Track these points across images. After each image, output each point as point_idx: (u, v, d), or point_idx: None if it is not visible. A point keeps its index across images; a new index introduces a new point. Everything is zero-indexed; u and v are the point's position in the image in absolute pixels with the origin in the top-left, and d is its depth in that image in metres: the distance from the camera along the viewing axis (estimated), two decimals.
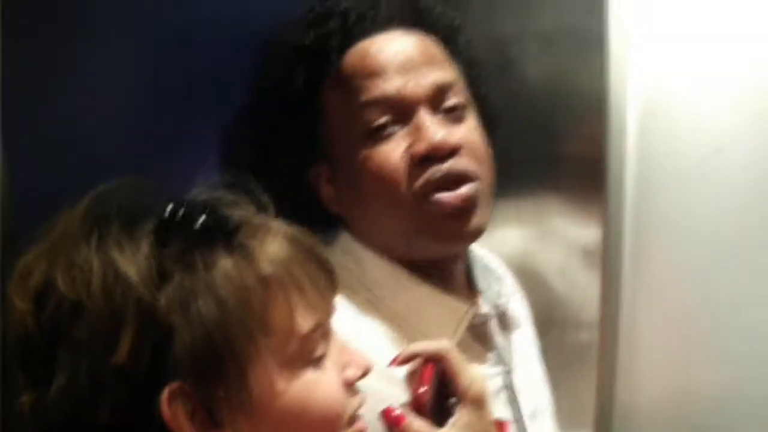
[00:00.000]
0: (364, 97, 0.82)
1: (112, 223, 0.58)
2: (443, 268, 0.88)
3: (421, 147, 0.81)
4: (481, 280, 0.94)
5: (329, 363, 0.63)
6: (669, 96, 1.24)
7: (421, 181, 0.81)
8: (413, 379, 0.76)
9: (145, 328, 0.54)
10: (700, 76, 1.23)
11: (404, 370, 0.78)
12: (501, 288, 0.95)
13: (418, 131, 0.82)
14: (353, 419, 0.65)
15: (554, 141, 1.23)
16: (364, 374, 0.66)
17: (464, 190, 0.82)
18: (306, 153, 0.88)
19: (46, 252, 0.59)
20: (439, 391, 0.76)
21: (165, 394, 0.55)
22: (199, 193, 0.64)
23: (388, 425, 0.72)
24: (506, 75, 1.21)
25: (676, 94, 1.24)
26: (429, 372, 0.75)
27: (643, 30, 1.26)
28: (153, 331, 0.54)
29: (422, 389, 0.74)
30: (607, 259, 1.23)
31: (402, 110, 0.82)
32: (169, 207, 0.58)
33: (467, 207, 0.82)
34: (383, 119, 0.82)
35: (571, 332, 1.24)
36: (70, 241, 0.58)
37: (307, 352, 0.61)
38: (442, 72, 0.85)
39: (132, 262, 0.55)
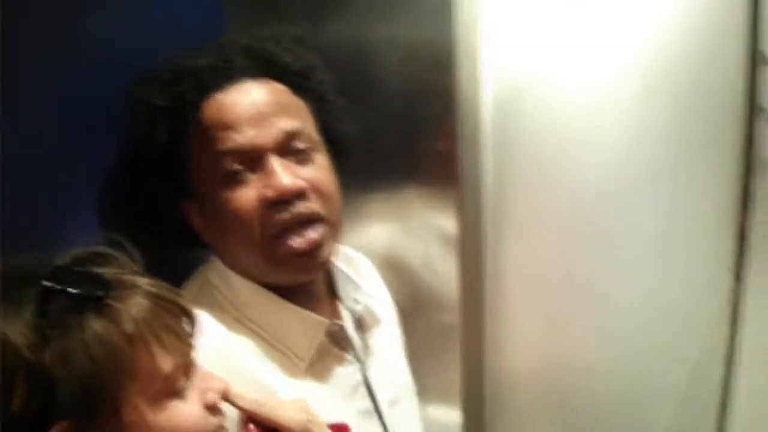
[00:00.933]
0: (220, 147, 0.90)
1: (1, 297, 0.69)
2: (302, 285, 0.98)
3: (270, 192, 0.89)
4: (341, 288, 1.05)
5: (191, 391, 0.76)
6: (521, 89, 1.34)
7: (272, 223, 0.90)
8: None
9: (34, 382, 0.66)
10: (553, 71, 1.33)
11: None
12: (357, 295, 1.05)
13: (268, 176, 0.90)
14: None
15: (413, 138, 1.31)
16: (223, 395, 0.78)
17: (311, 234, 0.92)
18: (177, 192, 0.96)
19: None
20: None
21: (53, 431, 0.67)
22: (76, 251, 0.75)
23: None
24: (367, 82, 1.28)
25: (528, 87, 1.34)
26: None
27: (493, 25, 1.34)
28: (40, 383, 0.66)
29: None
30: (465, 246, 1.32)
31: (254, 158, 0.91)
32: (47, 281, 0.69)
33: (314, 248, 0.92)
34: (237, 167, 0.90)
35: (435, 315, 1.34)
36: None
37: (169, 387, 0.73)
38: (290, 120, 0.93)
39: (17, 331, 0.67)
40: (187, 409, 0.74)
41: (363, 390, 0.98)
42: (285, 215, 0.90)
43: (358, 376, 0.98)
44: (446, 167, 1.31)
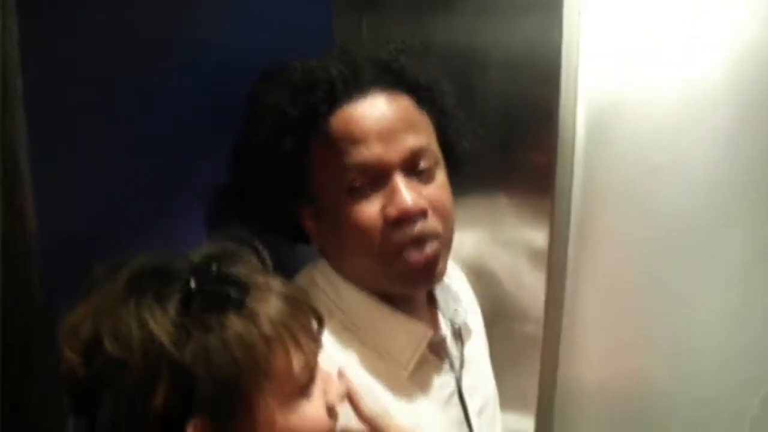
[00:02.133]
0: (347, 161, 0.91)
1: (146, 291, 0.72)
2: (409, 295, 1.00)
3: (393, 211, 0.90)
4: (441, 299, 1.07)
5: (315, 391, 0.78)
6: (615, 112, 1.34)
7: (392, 241, 0.91)
8: None
9: (175, 379, 0.68)
10: (646, 93, 1.32)
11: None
12: (457, 305, 1.07)
13: (392, 194, 0.91)
14: None
15: (507, 150, 1.33)
16: (342, 399, 0.81)
17: (429, 250, 0.93)
18: (294, 195, 0.98)
19: (92, 312, 0.72)
20: None
21: (189, 428, 0.69)
22: (210, 248, 0.78)
23: None
24: (467, 88, 1.30)
25: (622, 111, 1.34)
26: None
27: (593, 43, 1.35)
28: (181, 381, 0.68)
29: None
30: (552, 261, 1.34)
31: (379, 174, 0.92)
32: (191, 280, 0.72)
33: (431, 264, 0.94)
34: (363, 181, 0.91)
35: (518, 326, 1.36)
36: (113, 305, 0.71)
37: (299, 387, 0.76)
38: (417, 136, 0.94)
39: (163, 327, 0.69)
40: (313, 409, 0.77)
41: (456, 399, 1.01)
42: (405, 234, 0.91)
43: (453, 386, 1.01)
44: (540, 179, 1.32)
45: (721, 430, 1.39)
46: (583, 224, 1.37)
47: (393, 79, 0.96)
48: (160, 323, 0.69)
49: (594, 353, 1.42)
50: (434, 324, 1.03)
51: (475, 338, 1.11)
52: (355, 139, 0.91)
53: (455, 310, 1.06)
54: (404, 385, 0.96)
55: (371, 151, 0.91)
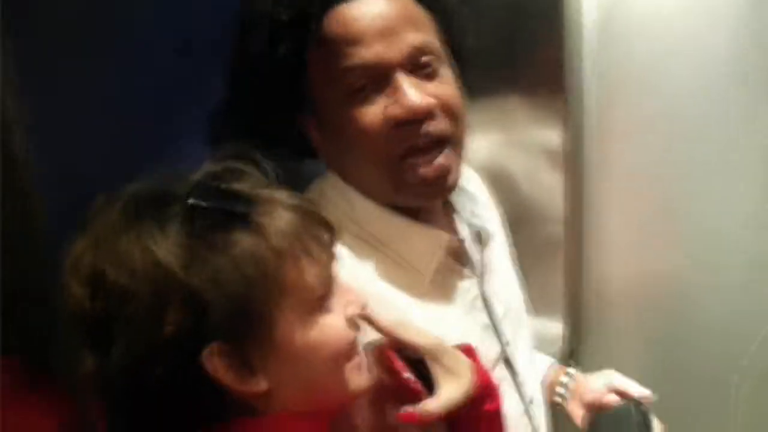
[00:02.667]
0: (345, 63, 0.86)
1: (145, 216, 0.68)
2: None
3: (397, 111, 0.86)
4: (457, 202, 1.02)
5: (334, 304, 0.74)
6: (623, 4, 1.29)
7: (398, 143, 0.87)
8: (380, 371, 0.81)
9: (185, 304, 0.64)
10: None
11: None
12: (475, 208, 1.03)
13: (395, 94, 0.86)
14: (355, 351, 0.76)
15: (517, 50, 1.28)
16: (363, 310, 0.77)
17: (439, 159, 0.88)
18: (294, 106, 0.92)
19: (92, 245, 0.68)
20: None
21: (205, 353, 0.65)
22: (210, 167, 0.73)
23: (407, 424, 0.79)
24: None
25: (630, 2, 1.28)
26: (394, 358, 0.80)
27: None
28: (191, 306, 0.64)
29: (407, 375, 0.79)
30: (570, 159, 1.30)
31: (380, 74, 0.86)
32: (191, 199, 0.68)
33: (443, 174, 0.89)
34: (363, 83, 0.86)
35: (540, 228, 1.33)
36: (113, 236, 0.67)
37: (317, 301, 0.72)
38: (418, 33, 0.88)
39: (167, 251, 0.65)
40: (333, 322, 0.73)
41: (480, 304, 0.98)
42: (413, 135, 0.87)
43: (476, 290, 0.98)
44: (551, 75, 1.27)
45: (748, 325, 1.37)
46: (600, 120, 1.33)
47: None
48: (163, 246, 0.65)
49: (619, 253, 1.39)
50: (451, 229, 0.99)
51: (496, 242, 1.08)
52: (352, 40, 0.86)
53: (473, 213, 1.02)
54: (426, 293, 0.92)
55: (370, 51, 0.86)
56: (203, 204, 0.68)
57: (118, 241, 0.66)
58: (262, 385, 0.69)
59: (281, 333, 0.69)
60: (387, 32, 0.87)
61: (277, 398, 0.70)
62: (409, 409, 0.78)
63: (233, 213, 0.69)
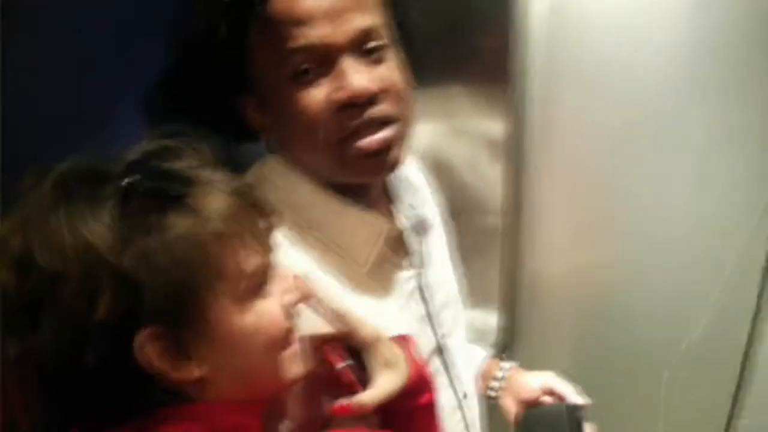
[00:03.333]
0: (289, 45, 0.83)
1: (75, 196, 0.64)
2: (362, 187, 0.93)
3: (342, 94, 0.84)
4: (396, 192, 1.01)
5: (272, 290, 0.72)
6: None
7: (342, 127, 0.85)
8: (315, 362, 0.79)
9: (117, 288, 0.61)
10: None
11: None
12: (414, 198, 1.01)
13: (340, 78, 0.84)
14: (291, 339, 0.74)
15: (462, 37, 1.26)
16: (302, 298, 0.75)
17: (382, 134, 0.86)
18: (234, 87, 0.89)
19: (20, 225, 0.64)
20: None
21: (139, 338, 0.62)
22: (146, 145, 0.70)
23: (343, 416, 0.78)
24: None
25: None
26: (329, 349, 0.78)
27: None
28: (124, 290, 0.61)
29: (342, 365, 0.78)
30: (511, 151, 1.29)
31: (325, 57, 0.84)
32: (125, 178, 0.64)
33: (385, 148, 0.87)
34: (307, 65, 0.84)
35: (478, 219, 1.32)
36: (41, 215, 0.64)
37: (253, 287, 0.70)
38: (365, 15, 0.86)
39: (98, 234, 0.62)
40: (269, 308, 0.71)
41: (417, 296, 0.97)
42: (356, 119, 0.85)
43: (414, 282, 0.97)
44: (496, 65, 1.26)
45: (684, 317, 1.39)
46: (543, 111, 1.32)
47: None
48: (94, 229, 0.62)
49: (556, 245, 1.40)
50: (391, 219, 0.98)
51: (435, 233, 1.06)
52: (297, 20, 0.84)
53: (413, 203, 1.01)
54: (363, 283, 0.91)
55: (316, 32, 0.84)
56: (137, 184, 0.65)
57: (47, 223, 0.63)
58: (196, 371, 0.66)
59: (216, 318, 0.66)
60: (333, 14, 0.84)
61: (211, 386, 0.68)
62: (343, 401, 0.77)
63: (169, 194, 0.65)
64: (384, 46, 0.88)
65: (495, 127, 1.28)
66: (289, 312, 0.74)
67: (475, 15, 1.26)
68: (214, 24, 0.86)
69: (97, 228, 0.62)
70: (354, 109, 0.85)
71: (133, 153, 0.69)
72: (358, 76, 0.84)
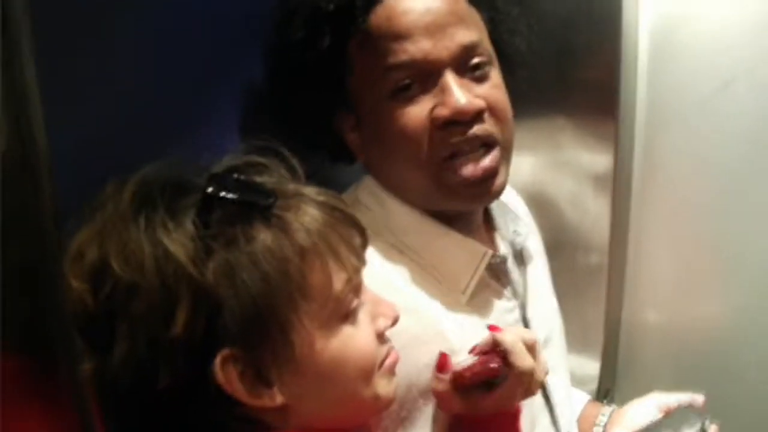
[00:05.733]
0: (390, 60, 0.81)
1: (157, 205, 0.61)
2: (462, 213, 0.90)
3: (445, 112, 0.81)
4: (498, 219, 0.96)
5: (362, 315, 0.67)
6: (682, 25, 1.22)
7: (443, 145, 0.82)
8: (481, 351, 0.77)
9: (197, 302, 0.58)
10: (714, 6, 1.21)
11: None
12: (517, 227, 0.97)
13: (442, 94, 0.81)
14: (383, 362, 0.69)
15: (568, 68, 1.21)
16: (394, 323, 0.71)
17: (485, 161, 0.83)
18: (332, 102, 0.87)
19: (97, 233, 0.62)
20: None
21: (218, 359, 0.59)
22: (231, 159, 0.67)
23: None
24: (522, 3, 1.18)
25: (689, 24, 1.22)
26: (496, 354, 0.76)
27: None
28: (204, 304, 0.58)
29: (494, 365, 0.75)
30: (617, 186, 1.23)
31: (428, 73, 0.82)
32: (209, 187, 0.61)
33: (488, 176, 0.84)
34: (408, 81, 0.82)
35: (581, 256, 1.26)
36: (120, 224, 0.61)
37: (342, 309, 0.65)
38: (468, 31, 0.83)
39: (179, 243, 0.59)
40: (359, 335, 0.66)
41: (520, 327, 0.92)
42: (458, 138, 0.82)
43: (517, 314, 0.92)
44: (601, 100, 1.21)
45: None
46: (648, 146, 1.26)
47: None
48: (176, 238, 0.59)
49: (659, 290, 1.32)
50: (492, 245, 0.93)
51: (537, 263, 1.01)
52: (398, 35, 0.81)
53: (515, 231, 0.96)
54: (462, 311, 0.86)
55: (418, 47, 0.81)
56: (222, 194, 0.61)
57: (126, 231, 0.60)
58: (277, 399, 0.62)
59: (301, 342, 0.62)
60: (435, 29, 0.82)
61: (292, 415, 0.64)
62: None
63: (255, 205, 0.62)
64: (487, 63, 0.86)
65: (600, 160, 1.23)
66: (383, 338, 0.70)
67: (582, 46, 1.22)
68: (313, 35, 0.84)
69: (179, 237, 0.59)
70: (457, 126, 0.82)
71: (218, 166, 0.67)
72: (462, 93, 0.81)
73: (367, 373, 0.67)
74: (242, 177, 0.65)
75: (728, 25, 1.21)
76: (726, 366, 1.31)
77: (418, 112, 0.82)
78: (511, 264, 0.93)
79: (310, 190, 0.67)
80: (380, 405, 0.69)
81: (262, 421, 0.63)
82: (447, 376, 0.76)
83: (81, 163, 0.68)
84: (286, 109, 0.89)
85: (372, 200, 0.89)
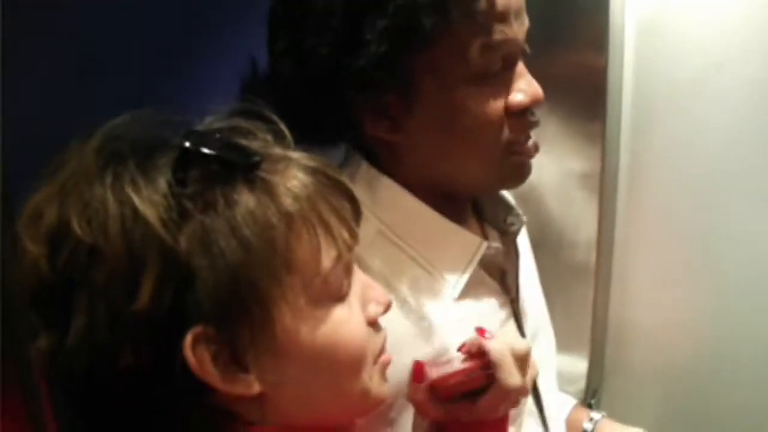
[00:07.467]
0: (485, 41, 0.76)
1: (127, 160, 0.54)
2: (455, 205, 0.87)
3: (525, 99, 0.79)
4: (488, 209, 0.93)
5: (352, 298, 0.61)
6: (667, 12, 1.21)
7: (516, 131, 0.80)
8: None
9: (166, 271, 0.52)
10: (700, 3, 1.20)
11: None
12: (509, 217, 0.93)
13: (519, 80, 0.79)
14: (378, 355, 0.64)
15: (553, 65, 1.20)
16: (386, 310, 0.65)
17: (533, 140, 0.83)
18: (375, 82, 0.76)
19: (58, 191, 0.55)
20: None
21: (188, 338, 0.52)
22: (213, 122, 0.60)
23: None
24: None
25: (675, 11, 1.21)
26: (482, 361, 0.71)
27: None
28: (174, 274, 0.52)
29: (479, 377, 0.70)
30: (605, 183, 1.22)
31: (511, 57, 0.79)
32: (187, 141, 0.55)
33: (531, 158, 0.85)
34: (496, 64, 0.78)
35: (568, 255, 1.25)
36: (83, 180, 0.54)
37: (332, 289, 0.59)
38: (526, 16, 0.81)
39: (150, 202, 0.52)
40: (352, 321, 0.60)
41: (512, 323, 0.89)
42: (526, 125, 0.81)
43: (509, 309, 0.89)
44: (589, 97, 1.20)
45: None
46: (636, 141, 1.26)
47: None
48: (147, 196, 0.52)
49: (646, 288, 1.30)
50: (484, 236, 0.89)
51: (526, 256, 0.98)
52: (497, 16, 0.76)
53: (507, 221, 0.92)
54: (453, 305, 0.82)
55: (512, 29, 0.77)
56: (201, 149, 0.55)
57: (90, 188, 0.53)
58: (254, 387, 0.56)
59: (283, 321, 0.55)
60: (519, 11, 0.79)
61: (270, 407, 0.58)
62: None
63: (238, 165, 0.55)
64: None
65: (587, 159, 1.21)
66: (377, 326, 0.64)
67: (568, 44, 1.20)
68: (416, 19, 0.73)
69: (150, 195, 0.52)
70: (527, 114, 0.80)
71: (199, 125, 0.60)
72: (533, 79, 0.80)
73: (358, 363, 0.60)
74: (224, 137, 0.58)
75: (715, 22, 1.20)
76: (713, 365, 1.29)
77: (494, 96, 0.78)
78: (502, 256, 0.90)
79: (300, 155, 0.60)
80: (369, 403, 0.63)
81: (234, 412, 0.57)
82: (423, 385, 0.70)
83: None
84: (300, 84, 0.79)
85: (366, 182, 0.83)
